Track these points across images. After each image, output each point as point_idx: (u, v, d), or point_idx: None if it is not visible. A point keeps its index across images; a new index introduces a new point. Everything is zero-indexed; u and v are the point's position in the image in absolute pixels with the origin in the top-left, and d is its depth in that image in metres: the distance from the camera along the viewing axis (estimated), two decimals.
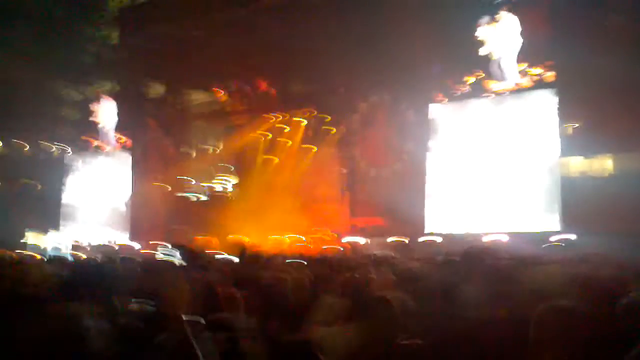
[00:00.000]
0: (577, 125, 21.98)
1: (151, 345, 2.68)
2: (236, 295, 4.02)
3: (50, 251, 22.09)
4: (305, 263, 10.71)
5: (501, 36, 16.77)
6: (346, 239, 18.66)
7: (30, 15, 25.39)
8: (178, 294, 2.39)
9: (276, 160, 26.78)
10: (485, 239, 15.43)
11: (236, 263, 4.98)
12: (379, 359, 3.27)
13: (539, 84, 16.74)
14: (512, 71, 16.80)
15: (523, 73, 16.74)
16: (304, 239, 24.42)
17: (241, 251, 5.12)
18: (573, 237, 15.31)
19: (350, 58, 19.51)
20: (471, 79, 17.66)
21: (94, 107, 26.74)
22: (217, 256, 11.79)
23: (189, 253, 4.61)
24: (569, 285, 3.44)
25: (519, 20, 16.54)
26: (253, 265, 5.60)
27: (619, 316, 2.71)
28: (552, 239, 15.22)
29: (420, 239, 17.17)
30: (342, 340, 3.40)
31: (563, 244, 15.26)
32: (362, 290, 4.14)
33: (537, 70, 16.63)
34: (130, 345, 2.99)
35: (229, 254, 5.28)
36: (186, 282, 2.42)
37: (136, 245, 23.72)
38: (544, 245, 13.69)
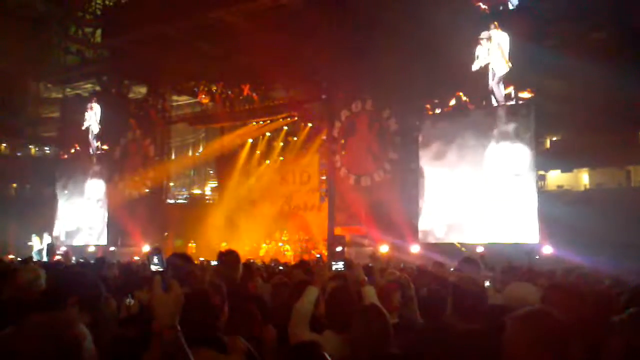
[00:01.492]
0: (555, 139, 22.33)
1: (144, 355, 2.67)
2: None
3: (34, 253, 21.83)
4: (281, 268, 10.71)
5: (486, 55, 16.91)
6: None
7: (12, 13, 25.10)
8: (170, 302, 2.36)
9: (256, 165, 26.81)
10: (467, 250, 15.56)
11: (228, 271, 4.90)
12: None
13: (519, 100, 16.85)
14: (497, 90, 16.95)
15: (508, 95, 16.83)
16: (282, 245, 24.46)
17: (234, 259, 5.03)
18: (550, 249, 15.47)
19: (333, 65, 19.57)
20: (456, 95, 17.75)
21: (76, 108, 26.51)
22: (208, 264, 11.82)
23: (173, 259, 4.55)
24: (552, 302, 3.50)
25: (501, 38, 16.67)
26: (247, 274, 5.55)
27: (617, 329, 2.77)
28: (530, 251, 15.37)
29: (402, 248, 17.21)
30: (333, 347, 3.42)
31: (538, 257, 15.46)
32: (351, 299, 4.14)
33: (522, 93, 16.72)
34: (122, 354, 2.98)
35: (219, 262, 5.20)
36: (178, 289, 2.39)
37: (113, 248, 23.56)
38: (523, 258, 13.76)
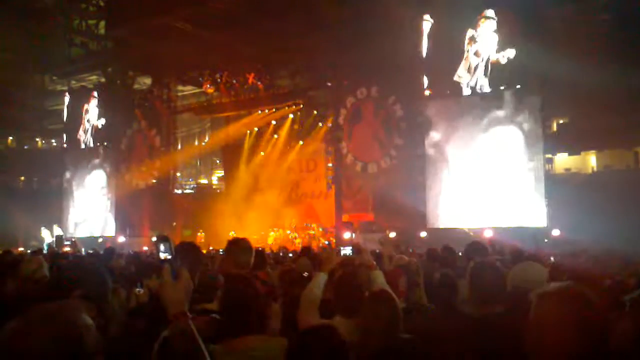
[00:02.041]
0: (562, 122, 22.23)
1: (153, 344, 2.67)
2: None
3: (45, 245, 21.98)
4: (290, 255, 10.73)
5: (487, 39, 16.88)
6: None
7: (17, 6, 25.12)
8: (179, 289, 2.36)
9: (262, 154, 26.81)
10: (474, 234, 15.53)
11: (242, 257, 4.89)
12: (379, 353, 3.29)
13: (525, 84, 16.78)
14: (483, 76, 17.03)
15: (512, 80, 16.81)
16: (289, 233, 24.49)
17: (247, 248, 5.01)
18: (558, 232, 15.43)
19: (338, 53, 19.51)
20: (456, 81, 17.71)
21: (81, 100, 26.58)
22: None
23: (181, 247, 4.55)
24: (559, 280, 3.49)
25: (507, 20, 16.55)
26: (259, 262, 5.56)
27: (628, 310, 2.76)
28: (536, 234, 15.31)
29: (410, 234, 17.19)
30: (343, 332, 3.41)
31: (547, 240, 15.43)
32: (359, 284, 4.14)
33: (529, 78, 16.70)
34: (131, 344, 2.98)
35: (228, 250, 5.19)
36: (187, 276, 2.39)
37: (121, 238, 23.64)
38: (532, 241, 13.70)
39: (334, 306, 4.02)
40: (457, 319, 3.54)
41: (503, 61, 16.62)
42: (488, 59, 16.99)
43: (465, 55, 17.33)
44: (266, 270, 6.76)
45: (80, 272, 3.22)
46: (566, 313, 2.28)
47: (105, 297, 3.23)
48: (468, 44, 17.22)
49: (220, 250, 12.13)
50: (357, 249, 4.57)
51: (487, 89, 17.24)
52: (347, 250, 4.53)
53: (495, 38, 16.80)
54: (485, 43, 16.97)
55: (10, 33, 25.54)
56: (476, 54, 17.15)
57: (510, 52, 16.45)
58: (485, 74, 17.18)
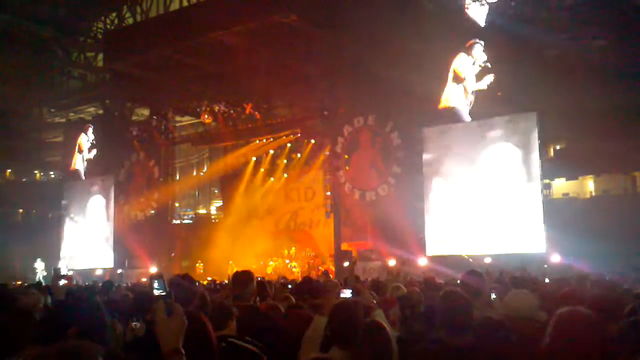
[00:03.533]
0: (559, 147, 22.30)
1: None
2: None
3: (41, 278, 21.92)
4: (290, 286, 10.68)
5: (474, 67, 17.05)
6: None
7: (15, 39, 25.32)
8: (173, 326, 2.36)
9: (261, 183, 26.81)
10: (474, 261, 15.51)
11: (239, 290, 4.92)
12: None
13: (522, 109, 16.87)
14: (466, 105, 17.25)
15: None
16: (288, 262, 24.39)
17: (245, 281, 5.05)
18: (558, 258, 15.40)
19: (334, 81, 19.65)
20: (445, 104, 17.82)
21: (79, 132, 26.65)
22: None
23: (176, 283, 4.54)
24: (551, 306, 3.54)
25: (504, 47, 16.68)
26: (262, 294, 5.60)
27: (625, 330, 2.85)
28: (524, 261, 15.27)
29: (409, 261, 17.15)
30: None
31: (546, 266, 15.39)
32: (356, 315, 4.12)
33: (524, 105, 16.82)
34: None
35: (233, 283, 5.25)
36: (182, 313, 2.39)
37: (120, 270, 23.54)
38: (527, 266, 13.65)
39: (330, 337, 4.02)
40: (437, 349, 3.52)
41: (483, 87, 16.81)
42: (474, 85, 17.16)
43: (453, 82, 17.45)
44: (268, 301, 6.74)
45: (77, 310, 3.19)
46: (561, 330, 2.49)
47: (102, 335, 3.20)
48: (457, 70, 17.35)
49: (224, 281, 12.12)
50: (356, 291, 4.59)
51: (479, 116, 17.36)
52: (347, 294, 4.53)
53: (478, 67, 16.96)
54: (472, 71, 17.10)
55: (8, 65, 25.71)
56: (463, 80, 17.28)
57: (488, 78, 16.62)
58: (471, 101, 17.36)
